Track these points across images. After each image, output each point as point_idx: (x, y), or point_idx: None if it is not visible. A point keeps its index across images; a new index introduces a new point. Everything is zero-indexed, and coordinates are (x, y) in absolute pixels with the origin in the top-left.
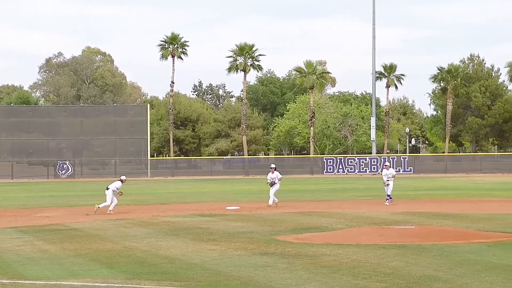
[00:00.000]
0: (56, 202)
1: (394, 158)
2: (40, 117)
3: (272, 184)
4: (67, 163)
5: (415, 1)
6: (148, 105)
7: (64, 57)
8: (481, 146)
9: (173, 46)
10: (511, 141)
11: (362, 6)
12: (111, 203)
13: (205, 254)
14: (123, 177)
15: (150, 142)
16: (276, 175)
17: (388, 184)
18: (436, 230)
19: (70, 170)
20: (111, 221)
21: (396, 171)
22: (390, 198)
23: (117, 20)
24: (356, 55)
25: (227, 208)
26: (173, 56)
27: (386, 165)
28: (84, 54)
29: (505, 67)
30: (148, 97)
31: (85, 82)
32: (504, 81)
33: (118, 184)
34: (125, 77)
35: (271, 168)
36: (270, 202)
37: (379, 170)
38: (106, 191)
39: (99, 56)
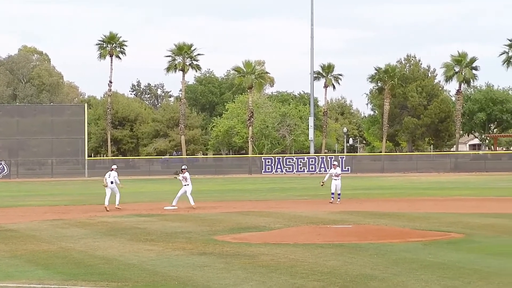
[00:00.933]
0: None
1: (332, 157)
2: None
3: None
4: (3, 163)
5: (353, 2)
6: (86, 105)
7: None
8: (417, 146)
9: (111, 46)
10: (446, 140)
11: (301, 7)
12: (116, 196)
13: (142, 254)
14: (114, 166)
15: (88, 142)
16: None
17: (323, 184)
18: (373, 229)
19: (5, 170)
20: (47, 221)
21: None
22: (337, 196)
23: (54, 19)
24: (294, 55)
25: (165, 208)
26: (111, 56)
27: (334, 164)
28: (21, 53)
29: (441, 67)
30: (86, 96)
31: (21, 82)
32: (440, 81)
33: (115, 174)
34: (62, 77)
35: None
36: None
37: (317, 170)
38: (111, 185)
39: (35, 55)
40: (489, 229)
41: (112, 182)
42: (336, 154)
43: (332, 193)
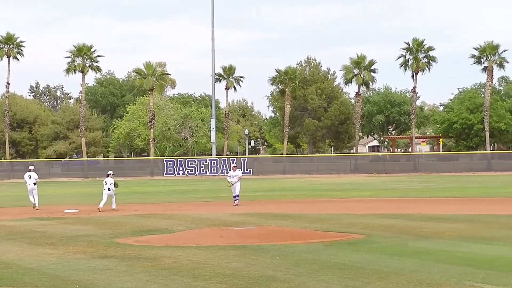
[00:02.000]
0: None
1: (234, 159)
2: None
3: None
4: None
5: (255, 3)
6: None
7: None
8: (318, 148)
9: (9, 46)
10: (346, 142)
11: (202, 8)
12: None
13: (42, 258)
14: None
15: None
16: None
17: (232, 185)
18: (275, 231)
19: None
20: None
21: (242, 173)
22: (238, 198)
23: None
24: (196, 57)
25: (65, 211)
26: (8, 57)
27: (234, 166)
28: None
29: (340, 70)
30: None
31: None
32: (339, 83)
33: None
34: None
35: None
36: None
37: (219, 172)
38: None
39: None
40: (388, 230)
41: (109, 189)
42: (238, 156)
43: (234, 196)
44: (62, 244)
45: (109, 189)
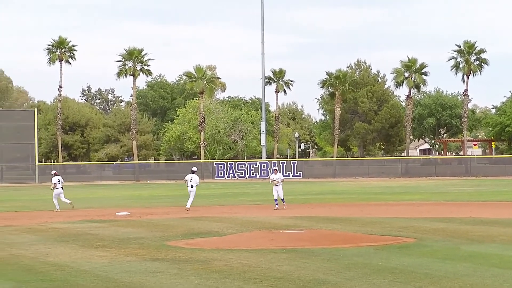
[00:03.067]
0: None
1: (284, 162)
2: None
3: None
4: None
5: (304, 7)
6: (36, 110)
7: None
8: (368, 151)
9: (61, 50)
10: (397, 145)
11: (252, 12)
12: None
13: (94, 260)
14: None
15: (38, 147)
16: (279, 176)
17: (277, 183)
18: (326, 234)
19: None
20: None
21: (284, 176)
22: (282, 201)
23: (3, 24)
24: (245, 60)
25: (117, 213)
26: (60, 60)
27: (275, 170)
28: None
29: (391, 73)
30: (36, 101)
31: None
32: (390, 86)
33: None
34: (11, 82)
35: (274, 170)
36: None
37: (269, 175)
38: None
39: None
40: (439, 234)
41: (192, 186)
42: (288, 159)
43: (275, 200)
44: (114, 247)
45: (192, 186)
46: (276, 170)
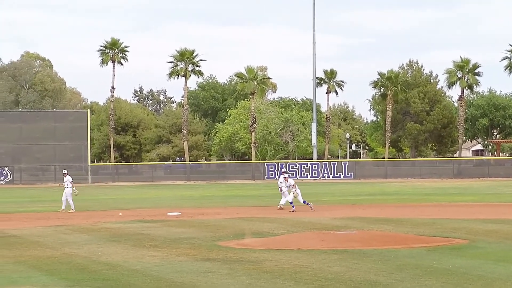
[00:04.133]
0: None
1: (335, 163)
2: None
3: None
4: (6, 169)
5: (355, 8)
6: (88, 111)
7: (2, 62)
8: (420, 152)
9: (113, 52)
10: (449, 146)
11: (303, 13)
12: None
13: (146, 260)
14: (284, 170)
15: (91, 147)
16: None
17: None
18: (377, 235)
19: (8, 177)
20: (51, 227)
21: (335, 177)
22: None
23: (57, 25)
24: (297, 61)
25: (168, 214)
26: (113, 62)
27: (283, 172)
28: (23, 59)
29: (443, 73)
30: (88, 102)
31: (24, 88)
32: (442, 87)
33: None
34: (65, 83)
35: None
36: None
37: (320, 176)
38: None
39: (38, 61)
40: (492, 235)
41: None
42: (339, 160)
43: (291, 202)
44: (166, 247)
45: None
46: (285, 172)
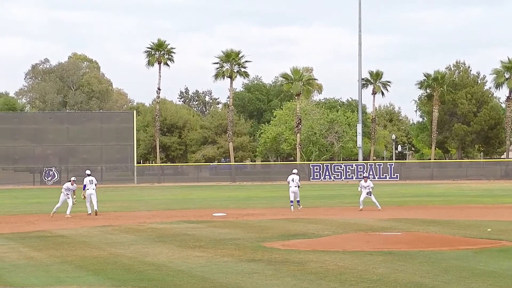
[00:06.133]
0: (42, 209)
1: (381, 164)
2: (26, 124)
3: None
4: (53, 169)
5: (400, 8)
6: (135, 112)
7: (50, 64)
8: (467, 153)
9: (160, 53)
10: (496, 147)
11: (349, 13)
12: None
13: (191, 261)
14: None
15: (137, 148)
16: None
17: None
18: (423, 237)
19: (56, 177)
20: (97, 227)
21: (381, 178)
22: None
23: (104, 26)
24: (342, 62)
25: (213, 214)
26: (159, 63)
27: (365, 177)
28: (71, 60)
29: (490, 74)
30: (135, 103)
31: (71, 89)
32: (490, 88)
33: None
34: (112, 84)
35: (364, 177)
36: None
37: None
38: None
39: (85, 62)
40: None
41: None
42: (384, 161)
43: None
44: (211, 247)
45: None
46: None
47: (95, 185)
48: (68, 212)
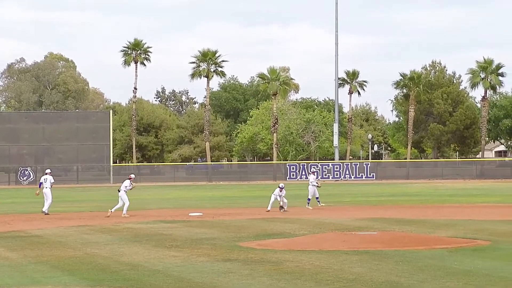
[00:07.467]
0: (17, 209)
1: (357, 164)
2: (1, 123)
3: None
4: (29, 169)
5: (377, 8)
6: (111, 111)
7: (26, 63)
8: (442, 152)
9: (136, 52)
10: (472, 147)
11: (325, 13)
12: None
13: (167, 260)
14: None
15: (113, 148)
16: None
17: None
18: (398, 236)
19: (31, 177)
20: (73, 227)
21: (357, 178)
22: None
23: (81, 26)
24: (319, 62)
25: (190, 214)
26: (136, 62)
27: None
28: (47, 60)
29: (466, 73)
30: (111, 103)
31: (47, 88)
32: (465, 87)
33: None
34: (88, 83)
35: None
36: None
37: (342, 176)
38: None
39: (61, 62)
40: None
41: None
42: (361, 160)
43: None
44: (187, 247)
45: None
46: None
47: (51, 183)
48: (124, 212)
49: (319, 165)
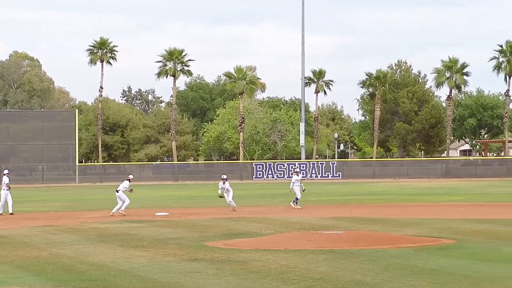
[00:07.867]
0: None
1: (323, 163)
2: None
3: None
4: None
5: (343, 8)
6: (77, 110)
7: None
8: (408, 152)
9: (102, 51)
10: (437, 146)
11: (291, 13)
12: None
13: (133, 260)
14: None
15: (79, 147)
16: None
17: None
18: (364, 235)
19: None
20: (38, 228)
21: (323, 177)
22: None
23: (46, 24)
24: (285, 61)
25: (156, 214)
26: (101, 61)
27: (296, 172)
28: (11, 58)
29: (431, 73)
30: (77, 102)
31: (12, 87)
32: (431, 87)
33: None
34: (53, 82)
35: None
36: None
37: (308, 176)
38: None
39: (26, 61)
40: (479, 235)
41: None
42: (327, 159)
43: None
44: (153, 247)
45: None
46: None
47: (7, 185)
48: (122, 209)
49: (285, 164)
